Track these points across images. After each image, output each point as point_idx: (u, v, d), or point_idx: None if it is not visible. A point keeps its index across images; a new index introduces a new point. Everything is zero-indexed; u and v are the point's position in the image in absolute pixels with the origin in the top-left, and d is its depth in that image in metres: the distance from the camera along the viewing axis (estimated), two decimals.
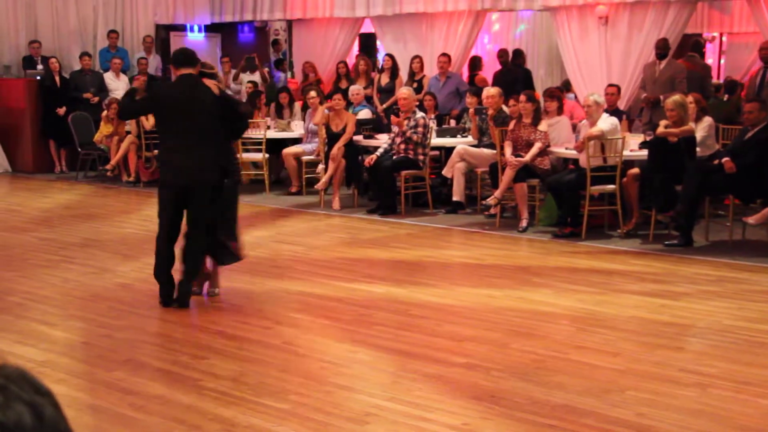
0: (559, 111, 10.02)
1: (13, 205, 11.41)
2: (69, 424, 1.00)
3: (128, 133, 12.84)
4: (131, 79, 14.30)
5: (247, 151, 11.96)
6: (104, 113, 13.11)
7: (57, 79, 13.93)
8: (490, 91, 10.38)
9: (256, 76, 14.56)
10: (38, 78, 14.09)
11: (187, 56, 6.32)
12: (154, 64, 15.57)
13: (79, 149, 13.39)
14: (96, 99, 13.96)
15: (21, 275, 7.38)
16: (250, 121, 12.08)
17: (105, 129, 13.06)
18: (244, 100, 13.15)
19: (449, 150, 10.59)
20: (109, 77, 14.35)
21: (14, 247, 8.58)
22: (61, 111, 13.74)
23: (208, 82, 6.33)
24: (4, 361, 1.01)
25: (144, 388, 4.77)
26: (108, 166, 12.73)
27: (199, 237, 6.45)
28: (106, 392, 4.72)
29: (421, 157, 10.26)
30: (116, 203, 11.52)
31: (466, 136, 10.80)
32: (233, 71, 15.00)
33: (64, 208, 11.01)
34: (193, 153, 6.18)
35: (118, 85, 14.28)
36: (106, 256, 8.15)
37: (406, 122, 10.23)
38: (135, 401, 4.58)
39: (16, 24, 14.78)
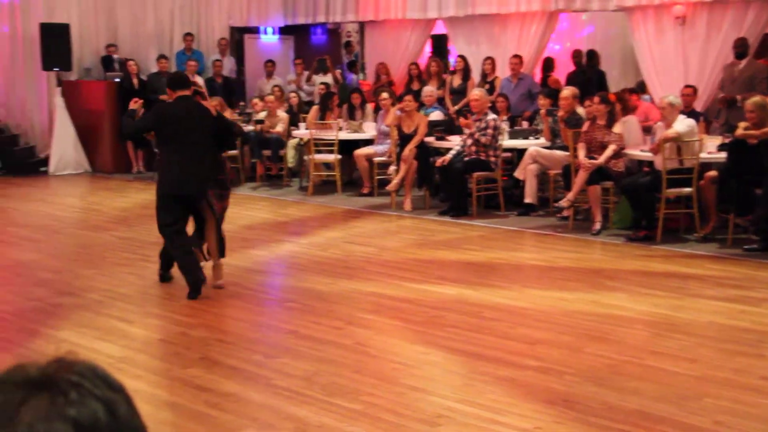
0: (625, 112, 9.87)
1: (93, 204, 11.69)
2: (142, 419, 1.01)
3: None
4: (208, 81, 14.54)
5: (319, 152, 12.05)
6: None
7: (135, 81, 14.23)
8: (564, 93, 10.27)
9: (329, 78, 14.66)
10: (117, 80, 14.42)
11: (182, 79, 7.12)
12: (228, 66, 15.81)
13: (156, 150, 13.61)
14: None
15: (100, 273, 7.56)
16: (323, 122, 12.18)
17: None
18: (316, 101, 13.27)
19: (522, 152, 10.51)
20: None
21: (94, 245, 8.79)
22: (139, 112, 14.00)
23: (207, 103, 7.15)
24: (77, 358, 1.02)
25: (218, 385, 4.84)
26: None
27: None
28: (182, 389, 4.80)
29: (493, 159, 10.20)
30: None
31: (538, 138, 10.70)
32: (306, 73, 15.12)
33: (142, 207, 11.22)
34: (191, 165, 6.81)
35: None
36: None
37: (475, 124, 10.19)
38: (209, 398, 4.65)
39: (96, 28, 15.15)
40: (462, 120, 10.54)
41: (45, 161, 14.47)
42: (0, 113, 14.23)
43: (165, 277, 7.29)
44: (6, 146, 14.39)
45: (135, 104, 7.42)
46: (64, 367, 0.99)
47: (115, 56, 14.74)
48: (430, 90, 12.28)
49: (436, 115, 11.82)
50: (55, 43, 13.90)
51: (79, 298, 6.74)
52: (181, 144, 6.83)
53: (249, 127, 13.13)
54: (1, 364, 1.01)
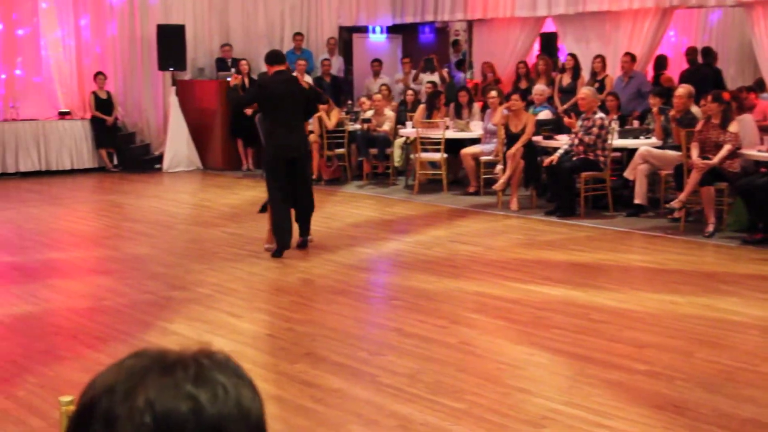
0: (741, 111, 9.53)
1: (204, 200, 12.00)
2: (264, 415, 1.02)
3: (311, 132, 13.21)
4: (317, 80, 14.73)
5: (425, 150, 12.07)
6: None
7: (246, 80, 14.54)
8: (679, 91, 10.00)
9: (436, 77, 14.66)
10: (229, 80, 14.76)
11: (279, 56, 8.08)
12: (337, 65, 15.99)
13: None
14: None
15: (211, 268, 7.76)
16: (429, 121, 12.19)
17: None
18: (423, 100, 13.29)
19: (632, 151, 10.28)
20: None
21: (205, 240, 9.03)
22: (249, 111, 14.32)
23: (300, 78, 8.30)
24: (211, 348, 1.05)
25: (323, 381, 4.91)
26: None
27: (309, 196, 8.29)
28: (289, 384, 4.89)
29: (601, 159, 10.01)
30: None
31: (649, 137, 10.44)
32: (413, 72, 15.16)
33: (251, 204, 11.46)
34: (292, 131, 7.91)
35: None
36: (289, 252, 8.42)
37: (579, 123, 10.03)
38: (315, 394, 4.72)
39: (210, 29, 15.56)
40: (566, 119, 10.39)
41: (159, 158, 14.93)
42: (118, 112, 14.75)
43: (304, 243, 8.39)
44: (123, 144, 14.91)
45: (236, 79, 8.11)
46: (198, 352, 1.02)
47: (229, 59, 15.08)
48: (540, 89, 12.14)
49: (545, 114, 11.67)
50: (170, 43, 14.34)
51: (190, 292, 6.94)
52: (282, 113, 7.85)
53: (356, 126, 13.26)
54: (118, 355, 1.05)
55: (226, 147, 14.85)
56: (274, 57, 8.04)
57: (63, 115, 14.47)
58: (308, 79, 14.75)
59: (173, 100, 14.67)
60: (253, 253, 8.36)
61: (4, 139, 13.76)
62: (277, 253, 7.99)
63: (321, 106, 8.31)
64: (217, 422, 0.95)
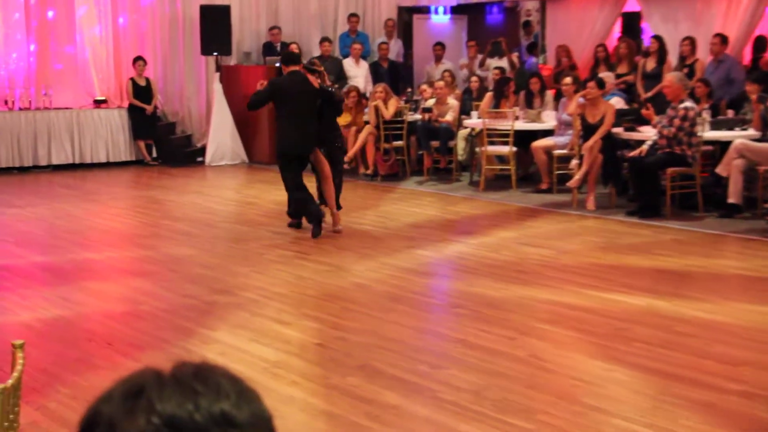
0: None
1: (249, 197, 12.11)
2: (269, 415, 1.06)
3: (366, 123, 13.24)
4: (373, 66, 14.77)
5: (492, 143, 12.01)
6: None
7: None
8: None
9: (504, 62, 14.57)
10: (278, 65, 14.85)
11: (293, 57, 9.47)
12: (395, 49, 16.00)
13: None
14: (334, 87, 14.50)
15: (256, 270, 7.82)
16: (497, 110, 12.13)
17: (342, 119, 13.52)
18: (491, 87, 13.23)
19: (725, 144, 10.09)
20: (348, 63, 14.89)
21: (250, 240, 9.10)
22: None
23: (311, 76, 9.15)
24: (208, 363, 1.07)
25: (379, 396, 4.90)
26: (345, 158, 13.19)
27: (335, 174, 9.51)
28: (340, 398, 4.89)
29: (689, 153, 9.85)
30: (353, 197, 11.92)
31: (746, 129, 10.24)
32: (479, 56, 15.10)
33: None
34: (301, 131, 9.05)
35: (357, 72, 14.79)
36: (341, 254, 8.46)
37: (665, 113, 9.87)
38: (370, 410, 4.71)
39: (257, 10, 15.69)
40: (643, 111, 10.25)
41: (202, 151, 15.11)
42: (157, 100, 14.94)
43: (296, 224, 9.55)
44: (163, 135, 15.11)
45: (261, 86, 9.30)
46: (188, 368, 1.05)
47: (277, 43, 15.18)
48: (608, 75, 12.00)
49: (615, 102, 11.52)
50: (214, 26, 14.50)
51: (233, 296, 7.00)
52: (293, 112, 9.03)
53: (416, 116, 13.25)
54: (155, 364, 1.05)
55: (273, 139, 14.92)
56: (288, 57, 9.44)
57: (98, 103, 14.73)
58: (363, 66, 14.80)
59: (217, 88, 14.82)
60: (301, 254, 8.40)
61: (36, 130, 14.04)
62: (315, 231, 9.09)
63: (315, 80, 9.22)
64: (226, 418, 1.00)
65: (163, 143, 15.06)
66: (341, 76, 14.68)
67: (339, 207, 9.60)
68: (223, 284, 7.36)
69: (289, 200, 9.58)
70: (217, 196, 12.15)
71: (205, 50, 14.66)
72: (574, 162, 10.89)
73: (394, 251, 8.55)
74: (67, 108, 14.45)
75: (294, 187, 9.27)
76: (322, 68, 9.69)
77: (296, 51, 14.33)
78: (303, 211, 9.35)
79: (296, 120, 9.03)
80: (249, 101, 9.33)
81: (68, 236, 9.35)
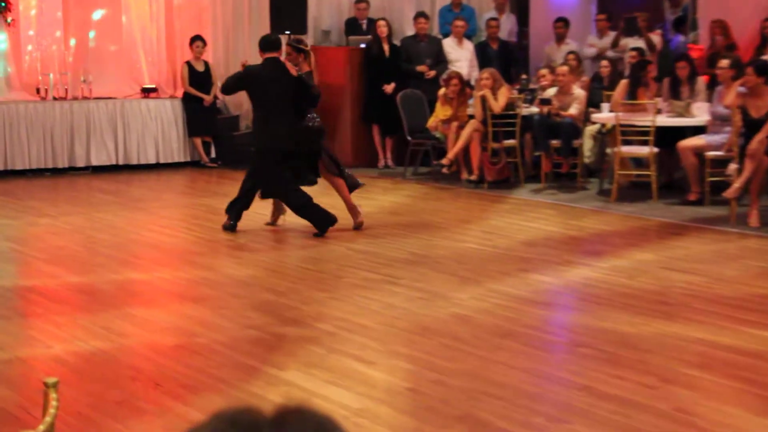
0: None
1: (328, 207, 12.13)
2: None
3: (471, 117, 13.21)
4: (480, 46, 14.73)
5: (627, 143, 11.86)
6: (441, 91, 13.58)
7: (385, 47, 14.68)
8: None
9: (642, 42, 14.39)
10: (363, 46, 14.93)
11: (269, 42, 10.21)
12: (507, 26, 15.94)
13: (409, 138, 13.99)
14: (432, 73, 14.52)
15: (334, 297, 7.84)
16: (634, 102, 11.97)
17: (442, 112, 13.53)
18: (626, 73, 13.07)
19: None
20: (449, 44, 14.88)
21: (327, 260, 9.14)
22: (389, 88, 14.46)
23: (290, 66, 10.01)
24: (311, 409, 1.05)
25: None
26: (444, 161, 13.18)
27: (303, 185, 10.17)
28: None
29: None
30: (453, 209, 11.91)
31: None
32: (612, 34, 14.95)
33: (389, 213, 11.55)
34: (277, 123, 9.87)
35: (460, 55, 14.77)
36: (439, 278, 8.43)
37: None
38: None
39: None
40: None
41: None
42: (218, 89, 15.13)
43: (230, 227, 10.25)
44: (224, 131, 15.26)
45: (242, 67, 10.35)
46: (292, 418, 1.03)
47: (363, 19, 15.25)
48: (725, 63, 11.62)
49: None
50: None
51: (307, 328, 7.03)
52: (267, 103, 9.90)
53: (532, 109, 13.17)
54: (212, 408, 1.04)
55: (357, 136, 15.04)
56: (264, 43, 10.20)
57: (147, 92, 14.98)
58: (467, 46, 14.75)
59: None
60: (390, 278, 8.41)
61: (72, 124, 14.36)
62: (319, 233, 9.99)
63: (293, 67, 10.03)
64: None
65: (223, 141, 15.23)
66: (440, 60, 14.69)
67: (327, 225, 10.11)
68: (294, 313, 7.40)
69: (237, 198, 10.35)
70: None
71: (276, 28, 14.79)
72: (733, 166, 10.69)
73: (503, 275, 8.50)
74: (109, 98, 14.73)
75: (287, 196, 10.11)
76: (308, 47, 10.60)
77: (384, 30, 14.47)
78: (310, 219, 10.09)
79: (272, 113, 9.89)
80: (223, 82, 10.41)
81: (109, 252, 9.52)
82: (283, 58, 10.45)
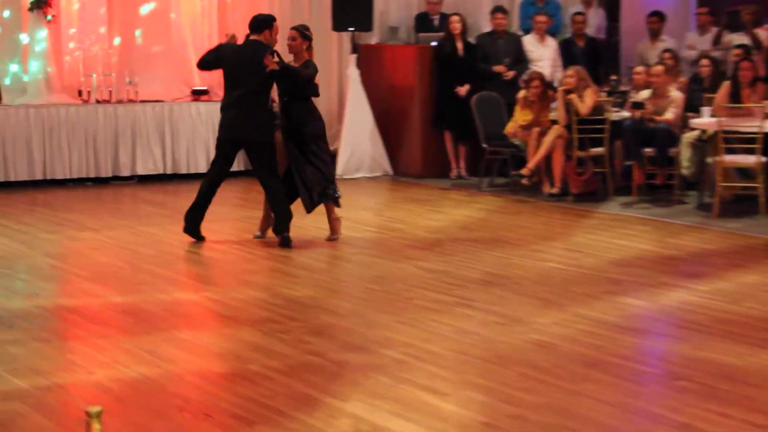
0: None
1: (394, 221, 12.16)
2: None
3: (554, 123, 13.15)
4: (564, 44, 14.66)
5: (731, 151, 11.74)
6: (521, 93, 13.53)
7: (459, 45, 14.66)
8: None
9: (748, 39, 14.24)
10: (434, 44, 14.92)
11: (257, 23, 10.36)
12: (595, 21, 15.86)
13: (484, 145, 13.96)
14: (511, 74, 14.49)
15: (401, 321, 7.82)
16: (738, 105, 11.82)
17: (521, 116, 13.47)
18: (729, 73, 12.92)
19: None
20: (530, 42, 14.84)
21: (394, 280, 9.13)
22: (463, 90, 14.44)
23: (268, 58, 10.02)
24: None
25: None
26: (524, 170, 13.13)
27: (267, 186, 10.50)
28: None
29: None
30: (533, 224, 11.85)
31: None
32: (714, 30, 14.80)
33: (462, 228, 11.52)
34: (241, 110, 10.25)
35: (542, 53, 14.72)
36: (518, 300, 8.40)
37: None
38: None
39: None
40: None
41: (331, 158, 15.27)
42: (273, 91, 15.19)
43: (189, 230, 10.61)
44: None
45: (225, 38, 10.90)
46: None
47: (435, 15, 15.25)
48: None
49: None
50: None
51: (371, 354, 7.02)
52: (238, 88, 10.23)
53: (623, 113, 13.08)
54: None
55: (427, 143, 15.03)
56: (251, 23, 10.43)
57: (198, 94, 15.10)
58: (550, 44, 14.68)
59: (352, 74, 15.01)
60: (464, 300, 8.38)
61: (117, 129, 14.50)
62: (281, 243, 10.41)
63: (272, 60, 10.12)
64: None
65: None
66: (520, 59, 14.64)
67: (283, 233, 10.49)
68: (357, 338, 7.39)
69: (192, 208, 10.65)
70: (350, 219, 12.24)
71: (338, 24, 14.86)
72: None
73: (590, 298, 8.45)
74: (157, 101, 14.86)
75: (206, 184, 10.61)
76: (312, 37, 10.71)
77: (458, 26, 14.45)
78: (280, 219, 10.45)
79: (238, 98, 10.23)
80: (201, 56, 10.83)
81: (156, 270, 9.59)
82: (287, 42, 10.61)
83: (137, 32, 15.19)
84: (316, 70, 10.51)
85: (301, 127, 10.40)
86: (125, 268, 9.73)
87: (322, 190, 10.50)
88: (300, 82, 10.30)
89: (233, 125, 10.36)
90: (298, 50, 10.53)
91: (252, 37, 10.36)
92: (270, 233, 10.69)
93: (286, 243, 10.33)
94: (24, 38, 14.63)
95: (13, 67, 14.74)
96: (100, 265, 9.84)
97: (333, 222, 10.74)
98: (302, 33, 10.55)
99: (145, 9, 15.20)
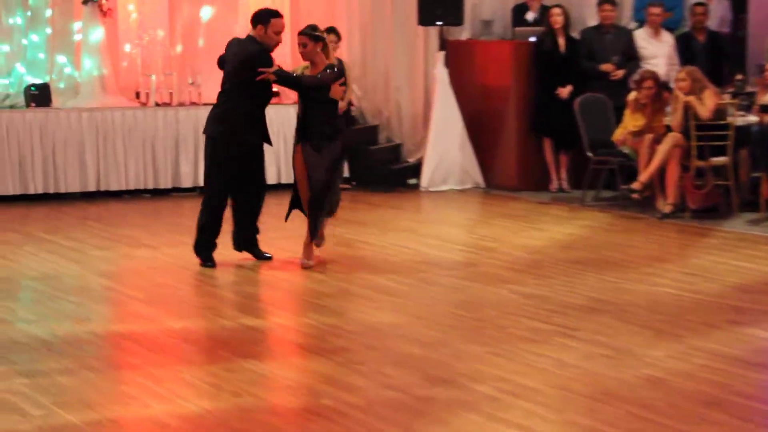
0: None
1: (486, 239, 12.14)
2: None
3: (669, 129, 13.03)
4: (683, 38, 14.51)
5: None
6: (632, 95, 13.43)
7: (561, 40, 14.59)
8: None
9: None
10: (533, 39, 14.87)
11: (252, 17, 10.58)
12: (718, 13, 15.69)
13: (589, 154, 13.88)
14: (620, 73, 14.39)
15: (494, 352, 7.80)
16: None
17: (632, 122, 13.37)
18: None
19: None
20: (642, 36, 14.72)
21: (486, 306, 9.11)
22: (565, 92, 14.38)
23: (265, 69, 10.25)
24: None
25: None
26: (635, 184, 13.03)
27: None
28: None
29: None
30: (645, 244, 11.77)
31: None
32: None
33: (563, 247, 11.47)
34: (214, 107, 10.72)
35: (656, 50, 14.59)
36: (627, 330, 8.34)
37: None
38: None
39: None
40: None
41: (416, 169, 15.30)
42: (353, 93, 15.20)
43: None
44: (361, 144, 15.39)
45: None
46: None
47: (535, 7, 15.21)
48: None
49: None
50: None
51: (459, 389, 7.00)
52: (224, 87, 10.61)
53: (750, 118, 12.95)
54: None
55: (524, 151, 14.99)
56: (253, 16, 10.59)
57: None
58: (666, 39, 14.57)
59: (440, 74, 15.02)
60: (566, 329, 8.34)
61: (178, 135, 14.65)
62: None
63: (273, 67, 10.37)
64: None
65: (360, 157, 15.33)
66: (631, 56, 14.54)
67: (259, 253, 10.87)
68: (444, 370, 7.38)
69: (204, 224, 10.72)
70: (437, 236, 12.27)
71: (425, 18, 14.88)
72: None
73: (710, 328, 8.39)
74: None
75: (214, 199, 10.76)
76: (324, 36, 10.65)
77: (559, 19, 14.40)
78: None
79: (224, 98, 10.60)
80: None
81: (219, 292, 9.66)
82: (299, 51, 10.66)
83: (201, 28, 15.25)
84: (336, 75, 10.50)
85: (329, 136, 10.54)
86: (185, 289, 9.82)
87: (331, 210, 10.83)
88: (306, 91, 10.50)
89: (206, 123, 10.81)
90: (312, 56, 10.52)
91: (249, 33, 10.56)
92: (317, 254, 10.83)
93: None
94: (77, 33, 14.79)
95: (65, 66, 14.90)
96: (158, 286, 9.92)
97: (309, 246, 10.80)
98: (310, 35, 10.46)
99: (208, 2, 15.28)
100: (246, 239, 10.75)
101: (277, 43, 10.57)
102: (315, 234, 10.61)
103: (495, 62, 15.07)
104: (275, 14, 10.56)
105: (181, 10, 15.23)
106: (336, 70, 10.52)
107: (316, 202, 10.46)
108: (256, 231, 10.82)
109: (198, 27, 15.28)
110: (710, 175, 12.98)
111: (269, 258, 10.79)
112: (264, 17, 10.43)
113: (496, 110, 15.01)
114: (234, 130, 10.48)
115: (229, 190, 10.65)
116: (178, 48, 15.21)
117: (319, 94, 10.40)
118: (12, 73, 14.77)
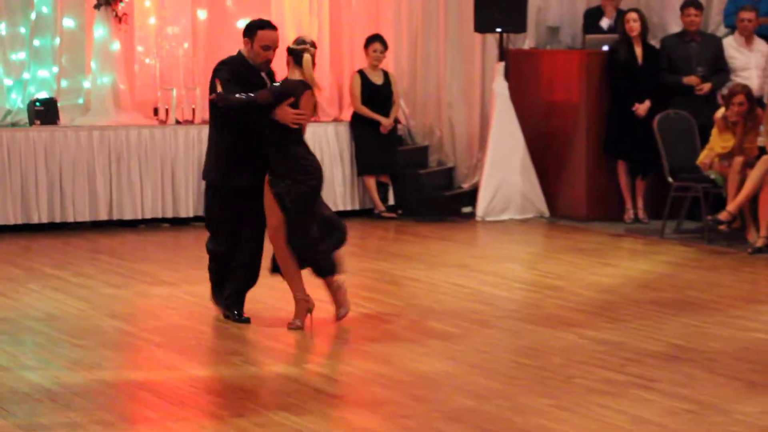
0: None
1: (551, 276, 12.12)
2: None
3: (763, 151, 12.97)
4: None
5: None
6: (720, 113, 13.40)
7: (638, 50, 14.58)
8: None
9: None
10: (606, 48, 14.86)
11: (245, 28, 10.18)
12: None
13: (670, 179, 13.85)
14: (707, 87, 14.35)
15: (560, 406, 7.78)
16: None
17: (720, 143, 13.34)
18: None
19: None
20: (732, 45, 14.69)
21: (550, 352, 9.09)
22: (643, 109, 14.36)
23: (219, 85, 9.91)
24: None
25: None
26: (722, 215, 12.99)
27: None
28: None
29: None
30: (735, 282, 11.73)
31: None
32: None
33: (639, 286, 11.44)
34: (209, 149, 10.38)
35: (748, 60, 14.54)
36: (713, 382, 8.30)
37: None
38: None
39: None
40: None
41: (471, 196, 15.31)
42: (400, 109, 15.24)
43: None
44: (408, 168, 15.42)
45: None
46: None
47: (612, 11, 15.20)
48: None
49: None
50: None
51: None
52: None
53: None
54: None
55: (595, 175, 14.97)
56: (245, 28, 10.22)
57: None
58: (760, 47, 14.53)
59: (499, 88, 15.03)
60: (642, 380, 8.32)
61: (201, 157, 14.32)
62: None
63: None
64: None
65: (407, 182, 15.35)
66: (719, 68, 14.49)
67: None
68: (503, 426, 7.37)
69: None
70: (494, 273, 12.27)
71: (483, 24, 14.90)
72: None
73: None
74: None
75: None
76: (306, 45, 9.97)
77: (636, 25, 14.39)
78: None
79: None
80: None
81: (247, 335, 9.67)
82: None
83: (227, 36, 15.28)
84: (275, 92, 9.91)
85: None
86: (208, 333, 9.84)
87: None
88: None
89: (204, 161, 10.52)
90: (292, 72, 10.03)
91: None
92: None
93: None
94: (87, 41, 14.87)
95: (74, 79, 14.95)
96: (178, 329, 9.95)
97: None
98: (289, 49, 9.96)
99: (238, 4, 15.33)
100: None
101: (265, 60, 10.13)
102: (323, 273, 10.12)
103: (562, 74, 15.07)
104: (264, 25, 10.11)
105: (206, 9, 15.23)
106: (283, 86, 9.96)
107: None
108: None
109: (223, 33, 15.28)
110: None
111: (246, 321, 9.99)
112: (250, 29, 10.08)
113: (563, 129, 15.01)
114: (211, 169, 10.19)
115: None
116: (201, 58, 15.24)
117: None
118: (14, 86, 14.80)
